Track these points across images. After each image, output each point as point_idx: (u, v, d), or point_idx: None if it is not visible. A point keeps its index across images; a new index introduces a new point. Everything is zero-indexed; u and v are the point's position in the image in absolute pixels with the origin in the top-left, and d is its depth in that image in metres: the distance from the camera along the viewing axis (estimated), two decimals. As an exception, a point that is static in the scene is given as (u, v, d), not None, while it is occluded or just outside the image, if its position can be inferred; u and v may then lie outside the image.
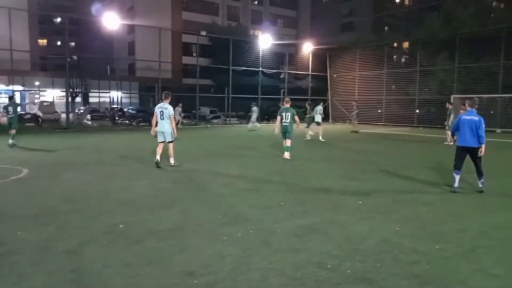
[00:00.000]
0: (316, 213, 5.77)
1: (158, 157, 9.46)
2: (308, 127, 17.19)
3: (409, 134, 21.28)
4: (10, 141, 13.32)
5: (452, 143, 14.87)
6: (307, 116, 17.76)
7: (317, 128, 16.95)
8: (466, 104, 7.28)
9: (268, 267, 3.83)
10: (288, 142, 11.20)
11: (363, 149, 14.22)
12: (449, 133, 15.47)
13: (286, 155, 11.11)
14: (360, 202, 6.37)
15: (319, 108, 17.38)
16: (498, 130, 21.79)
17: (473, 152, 6.98)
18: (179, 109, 21.84)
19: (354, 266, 3.88)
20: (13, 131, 13.48)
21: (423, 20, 35.12)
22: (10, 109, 13.76)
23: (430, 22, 32.59)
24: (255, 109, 23.03)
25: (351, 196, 6.77)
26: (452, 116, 15.40)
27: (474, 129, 6.89)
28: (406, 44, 37.31)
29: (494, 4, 34.48)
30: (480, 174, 7.08)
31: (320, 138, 16.34)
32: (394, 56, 33.68)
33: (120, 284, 3.46)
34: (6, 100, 16.72)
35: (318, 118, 17.01)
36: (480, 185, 7.12)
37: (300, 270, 3.76)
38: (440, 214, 5.83)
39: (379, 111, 29.92)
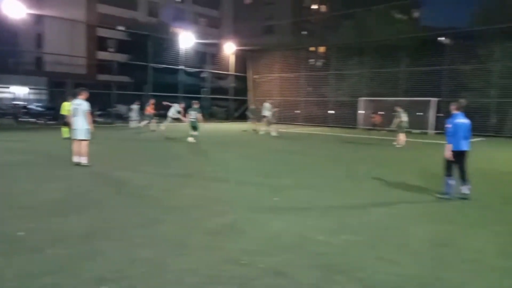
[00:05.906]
0: (233, 211, 5.86)
1: (75, 158, 9.15)
2: (400, 132, 16.32)
3: (340, 135, 22.51)
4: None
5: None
6: (398, 121, 16.54)
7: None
8: (454, 107, 6.91)
9: (183, 267, 3.81)
10: (195, 132, 14.99)
11: (283, 148, 14.74)
12: None
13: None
14: (276, 199, 6.61)
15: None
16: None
17: (463, 156, 6.81)
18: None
19: (269, 260, 4.02)
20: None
21: (337, 26, 37.42)
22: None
23: (344, 29, 34.85)
24: (134, 107, 22.46)
25: (268, 193, 6.99)
26: None
27: (466, 132, 6.79)
28: (322, 49, 39.46)
29: (399, 16, 37.81)
30: (465, 178, 6.83)
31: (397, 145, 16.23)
32: (311, 60, 35.44)
33: (20, 296, 3.19)
34: None
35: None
36: (467, 191, 6.81)
37: (215, 268, 3.80)
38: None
39: (297, 111, 31.35)
